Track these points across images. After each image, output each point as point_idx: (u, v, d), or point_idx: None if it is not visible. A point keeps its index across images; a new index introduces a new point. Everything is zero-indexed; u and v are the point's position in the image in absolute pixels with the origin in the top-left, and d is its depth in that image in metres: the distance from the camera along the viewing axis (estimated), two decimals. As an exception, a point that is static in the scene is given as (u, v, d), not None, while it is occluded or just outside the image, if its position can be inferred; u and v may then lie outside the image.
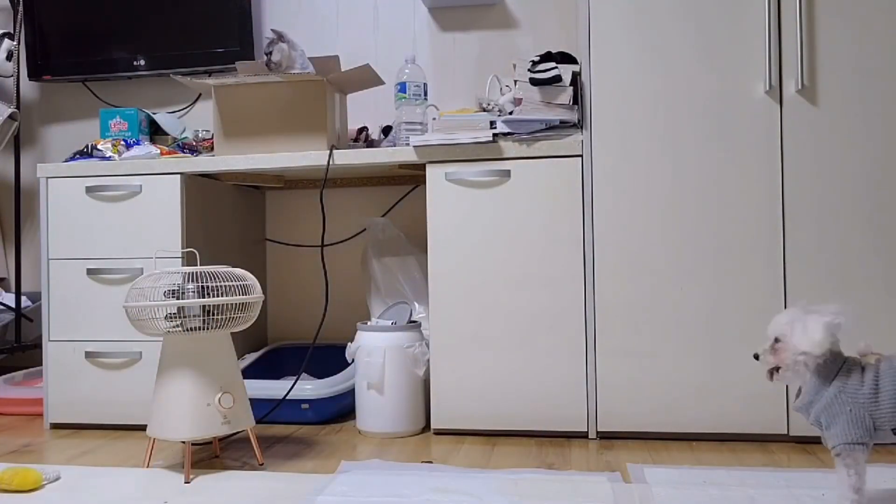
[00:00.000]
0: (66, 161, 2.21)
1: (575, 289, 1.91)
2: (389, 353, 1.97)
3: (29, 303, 2.66)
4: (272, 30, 2.08)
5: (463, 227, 1.96)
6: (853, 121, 1.80)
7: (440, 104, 2.45)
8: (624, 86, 1.88)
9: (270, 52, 2.05)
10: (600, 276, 1.89)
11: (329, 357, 2.36)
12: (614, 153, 1.89)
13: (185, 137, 2.45)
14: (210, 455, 1.82)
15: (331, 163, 2.04)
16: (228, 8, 2.56)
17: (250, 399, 1.78)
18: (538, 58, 1.99)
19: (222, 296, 1.63)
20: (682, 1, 1.86)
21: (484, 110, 2.07)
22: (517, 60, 2.00)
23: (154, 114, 2.47)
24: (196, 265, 1.70)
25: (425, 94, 2.25)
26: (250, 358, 2.34)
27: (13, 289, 2.75)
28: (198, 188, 2.19)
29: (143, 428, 2.11)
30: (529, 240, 1.93)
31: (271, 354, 2.45)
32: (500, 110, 2.06)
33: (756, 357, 1.32)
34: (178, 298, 1.63)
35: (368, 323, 2.06)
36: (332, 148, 2.06)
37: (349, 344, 2.05)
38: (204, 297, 1.63)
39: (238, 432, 1.85)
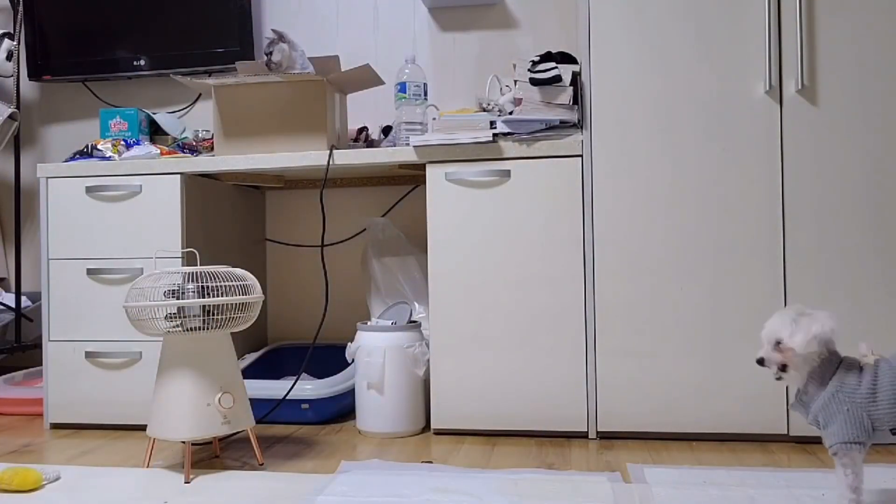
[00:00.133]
0: (66, 161, 2.21)
1: (575, 289, 1.91)
2: (389, 353, 1.97)
3: (29, 303, 2.66)
4: (273, 30, 2.08)
5: (463, 227, 1.96)
6: (853, 121, 1.80)
7: (440, 104, 2.45)
8: (624, 86, 1.88)
9: (271, 52, 2.05)
10: (600, 276, 1.89)
11: (329, 357, 2.37)
12: (614, 153, 1.89)
13: (185, 137, 2.45)
14: (210, 455, 1.82)
15: (331, 163, 2.04)
16: (228, 8, 2.56)
17: (250, 399, 1.78)
18: (538, 58, 1.99)
19: (222, 296, 1.63)
20: (682, 1, 1.86)
21: (484, 110, 2.07)
22: (517, 60, 2.00)
23: (154, 114, 2.47)
24: (196, 265, 1.70)
25: (425, 94, 2.25)
26: (250, 358, 2.34)
27: (13, 289, 2.75)
28: (198, 188, 2.19)
29: (143, 428, 2.11)
30: (529, 240, 1.93)
31: (271, 354, 2.45)
32: (500, 110, 2.06)
33: (760, 362, 1.31)
34: (178, 298, 1.63)
35: (368, 323, 2.06)
36: (332, 148, 2.06)
37: (349, 344, 2.05)
38: (204, 297, 1.63)
39: (238, 432, 1.85)
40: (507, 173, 1.94)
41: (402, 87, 2.23)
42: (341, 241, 2.62)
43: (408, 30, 2.60)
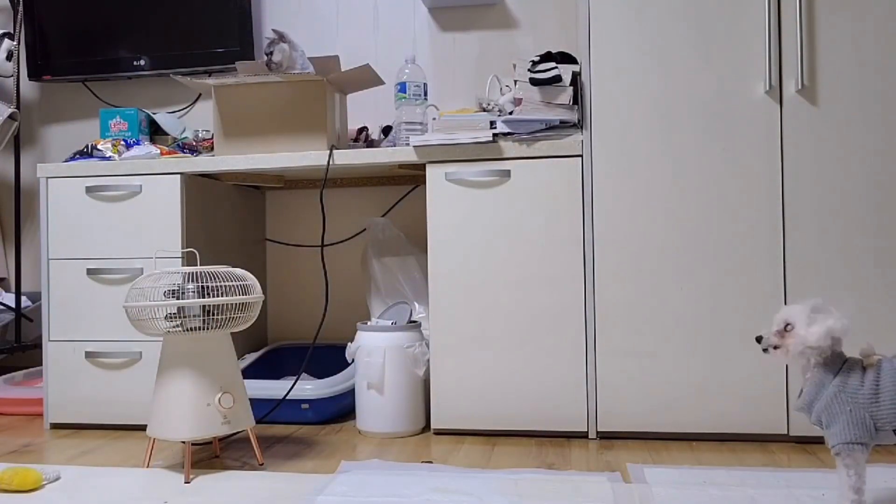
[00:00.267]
0: (66, 161, 2.21)
1: (575, 289, 1.91)
2: (389, 353, 1.97)
3: (29, 303, 2.66)
4: (273, 30, 2.08)
5: (463, 227, 1.96)
6: (853, 121, 1.80)
7: (440, 104, 2.45)
8: (624, 86, 1.88)
9: (271, 53, 2.05)
10: (600, 276, 1.89)
11: (329, 357, 2.37)
12: (614, 153, 1.89)
13: (185, 137, 2.45)
14: (210, 455, 1.82)
15: (331, 163, 2.04)
16: (228, 8, 2.56)
17: (250, 399, 1.78)
18: (538, 58, 1.99)
19: (222, 296, 1.63)
20: (682, 1, 1.86)
21: (484, 110, 2.07)
22: (517, 60, 2.00)
23: (154, 114, 2.47)
24: (196, 265, 1.70)
25: (425, 94, 2.25)
26: (250, 358, 2.34)
27: (13, 289, 2.75)
28: (198, 188, 2.19)
29: (143, 428, 2.11)
30: (529, 240, 1.93)
31: (271, 354, 2.45)
32: (500, 110, 2.06)
33: (759, 340, 1.32)
34: (178, 298, 1.63)
35: (368, 323, 2.06)
36: (332, 148, 2.06)
37: (349, 344, 2.05)
38: (204, 297, 1.63)
39: (238, 432, 1.85)
40: (507, 173, 1.94)
41: (402, 87, 2.23)
42: (341, 241, 2.62)
43: (408, 30, 2.60)
